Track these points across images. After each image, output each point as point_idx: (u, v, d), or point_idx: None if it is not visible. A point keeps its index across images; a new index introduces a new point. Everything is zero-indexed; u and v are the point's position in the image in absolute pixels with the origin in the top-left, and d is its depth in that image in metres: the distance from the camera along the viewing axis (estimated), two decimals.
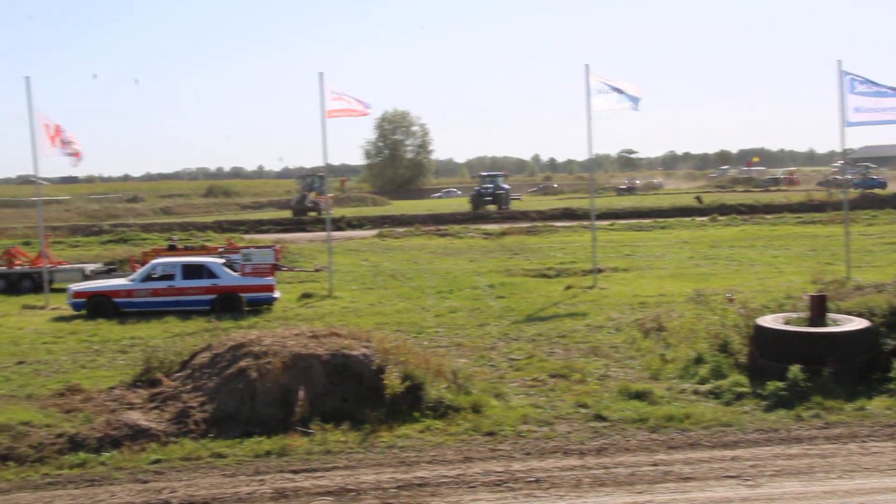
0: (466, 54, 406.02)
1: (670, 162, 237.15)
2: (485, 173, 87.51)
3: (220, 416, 13.73)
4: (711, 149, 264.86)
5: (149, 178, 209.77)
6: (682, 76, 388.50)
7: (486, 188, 79.06)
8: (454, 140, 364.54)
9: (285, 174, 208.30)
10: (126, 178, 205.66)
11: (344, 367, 14.18)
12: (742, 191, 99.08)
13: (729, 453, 11.88)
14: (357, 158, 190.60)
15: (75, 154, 29.42)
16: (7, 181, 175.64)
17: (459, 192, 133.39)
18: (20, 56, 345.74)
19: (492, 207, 76.56)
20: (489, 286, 28.63)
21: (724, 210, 61.71)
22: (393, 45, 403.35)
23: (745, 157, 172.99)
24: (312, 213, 76.12)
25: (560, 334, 20.28)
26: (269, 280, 25.54)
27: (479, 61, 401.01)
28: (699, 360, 16.28)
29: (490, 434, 12.95)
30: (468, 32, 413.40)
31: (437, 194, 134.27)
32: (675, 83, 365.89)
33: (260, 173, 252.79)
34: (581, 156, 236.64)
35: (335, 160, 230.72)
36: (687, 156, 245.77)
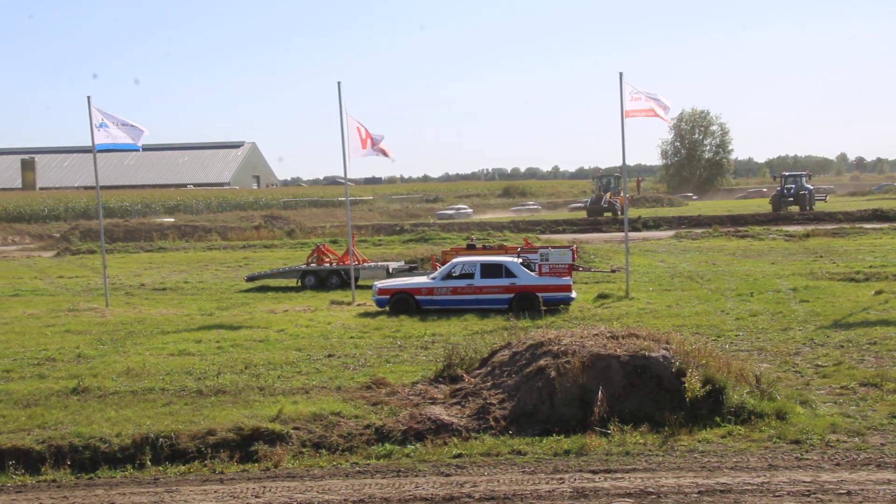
0: (770, 52, 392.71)
1: None
2: (787, 173, 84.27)
3: (519, 413, 13.89)
4: None
5: (447, 178, 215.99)
6: None
7: (789, 188, 76.18)
8: (755, 139, 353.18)
9: (580, 175, 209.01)
10: (425, 178, 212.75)
11: (643, 369, 14.00)
12: None
13: None
14: (652, 159, 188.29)
15: (384, 152, 30.17)
16: (315, 182, 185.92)
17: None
18: (334, 62, 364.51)
19: (794, 208, 73.69)
20: (792, 289, 27.48)
21: None
22: (696, 45, 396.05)
23: None
24: (608, 214, 76.00)
25: (871, 341, 19.15)
26: (566, 280, 25.60)
27: (782, 58, 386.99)
28: None
29: (796, 442, 12.40)
30: (770, 31, 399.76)
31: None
32: None
33: (555, 173, 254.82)
34: (893, 154, 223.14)
35: (630, 160, 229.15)
36: None
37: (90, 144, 28.89)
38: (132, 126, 29.07)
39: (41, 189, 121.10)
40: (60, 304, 30.14)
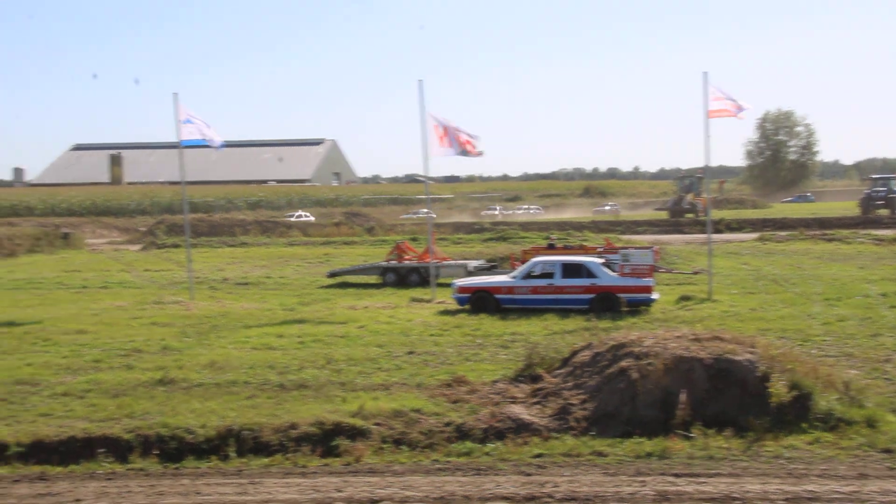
0: (856, 50, 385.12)
1: None
2: (876, 175, 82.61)
3: (600, 414, 13.79)
4: None
5: (526, 177, 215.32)
6: None
7: (878, 191, 74.69)
8: (842, 141, 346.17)
9: (661, 175, 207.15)
10: (505, 177, 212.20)
11: (727, 372, 13.81)
12: None
13: None
14: (735, 159, 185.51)
15: (471, 150, 29.88)
16: (395, 179, 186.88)
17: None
18: (414, 60, 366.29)
19: (884, 212, 72.20)
20: (882, 295, 26.82)
21: None
22: (780, 44, 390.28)
23: None
24: (689, 215, 75.21)
25: None
26: (647, 281, 25.33)
27: (872, 58, 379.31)
28: None
29: (887, 451, 12.13)
30: (861, 29, 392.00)
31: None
32: None
33: (635, 174, 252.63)
34: None
35: (713, 161, 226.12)
36: None
37: (175, 140, 29.32)
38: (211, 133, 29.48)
39: (128, 184, 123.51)
40: (147, 296, 30.68)
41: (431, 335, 21.89)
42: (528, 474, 11.69)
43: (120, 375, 17.31)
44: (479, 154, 29.98)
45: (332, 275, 35.68)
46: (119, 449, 13.22)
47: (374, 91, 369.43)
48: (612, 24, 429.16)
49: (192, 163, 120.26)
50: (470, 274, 32.23)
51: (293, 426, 13.57)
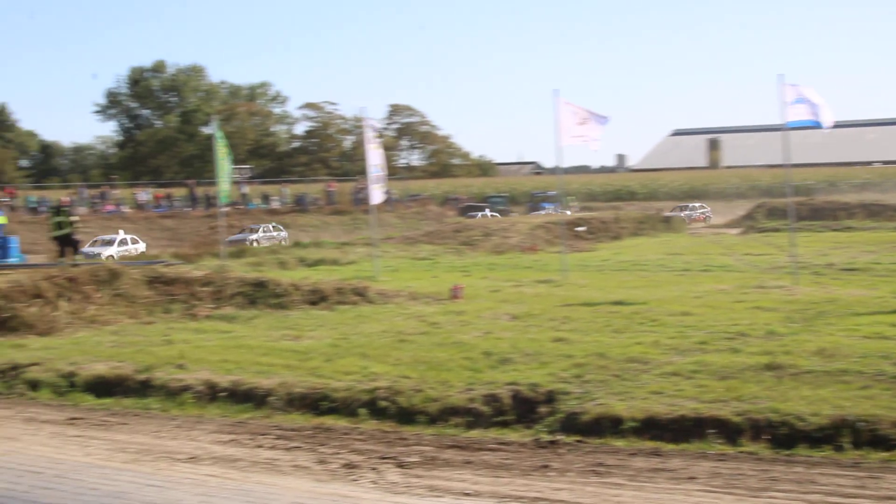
0: None
1: None
2: None
3: None
4: None
5: None
6: None
7: None
8: None
9: None
10: None
11: None
12: None
13: None
14: None
15: None
16: None
17: None
18: None
19: None
20: None
21: None
22: None
23: None
24: None
25: None
26: None
27: None
28: None
29: None
30: None
31: None
32: None
33: None
34: None
35: None
36: None
37: (778, 122, 28.80)
38: (818, 106, 28.52)
39: (725, 167, 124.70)
40: (748, 280, 30.53)
41: None
42: None
43: (726, 358, 17.26)
44: None
45: None
46: (727, 431, 13.18)
47: None
48: None
49: (792, 145, 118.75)
50: None
51: None
